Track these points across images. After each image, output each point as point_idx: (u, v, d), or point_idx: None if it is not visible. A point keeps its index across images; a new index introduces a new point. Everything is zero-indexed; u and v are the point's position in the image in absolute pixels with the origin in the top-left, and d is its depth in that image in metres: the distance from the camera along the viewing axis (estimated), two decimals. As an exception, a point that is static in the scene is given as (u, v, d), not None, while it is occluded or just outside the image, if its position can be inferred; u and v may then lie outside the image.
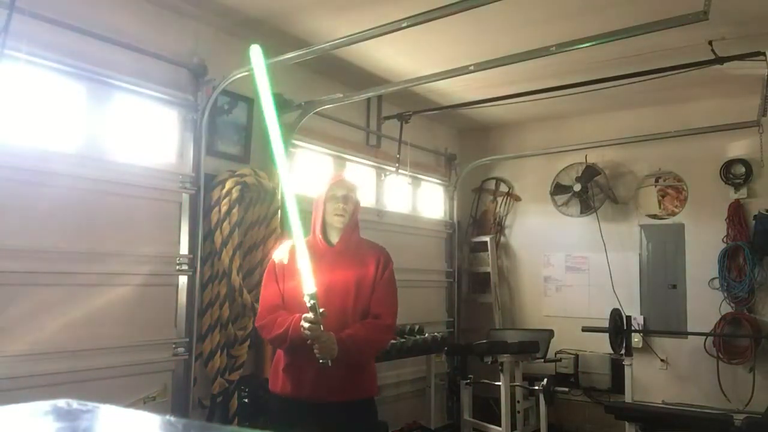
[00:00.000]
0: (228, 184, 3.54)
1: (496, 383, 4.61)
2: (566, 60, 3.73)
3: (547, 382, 4.61)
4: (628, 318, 4.65)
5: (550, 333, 5.11)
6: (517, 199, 6.04)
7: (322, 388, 2.39)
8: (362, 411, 2.53)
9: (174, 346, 3.40)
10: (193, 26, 3.59)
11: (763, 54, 3.54)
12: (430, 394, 5.10)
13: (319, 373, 2.34)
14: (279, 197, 3.89)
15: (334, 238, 2.56)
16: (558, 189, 5.66)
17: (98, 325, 3.05)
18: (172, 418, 0.89)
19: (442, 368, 5.52)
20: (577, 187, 5.45)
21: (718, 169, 5.04)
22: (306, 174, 4.44)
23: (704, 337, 4.88)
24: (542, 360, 5.01)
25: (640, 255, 5.37)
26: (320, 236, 2.53)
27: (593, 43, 2.95)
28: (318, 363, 2.27)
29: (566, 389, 4.82)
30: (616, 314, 4.60)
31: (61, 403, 0.90)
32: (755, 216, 4.84)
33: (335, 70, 4.41)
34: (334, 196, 2.53)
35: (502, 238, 6.06)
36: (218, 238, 3.48)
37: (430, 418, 5.06)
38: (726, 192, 5.01)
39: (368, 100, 4.99)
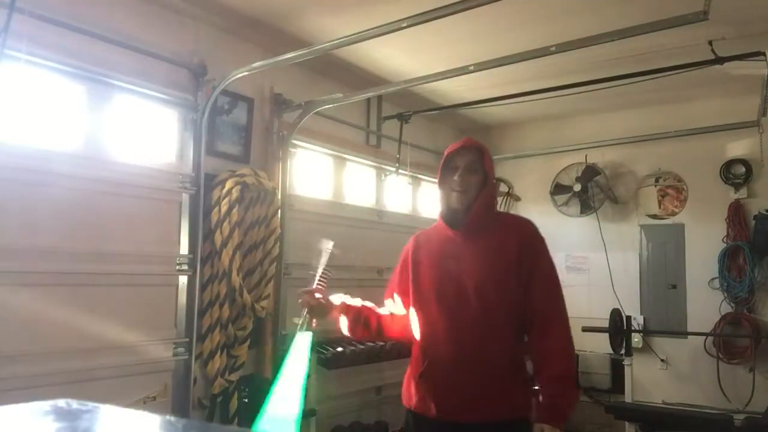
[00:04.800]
0: (228, 184, 3.54)
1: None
2: (566, 60, 3.73)
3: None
4: (628, 318, 4.65)
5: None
6: (517, 199, 6.03)
7: (455, 404, 2.02)
8: None
9: (174, 346, 3.40)
10: (193, 26, 3.59)
11: (763, 54, 3.53)
12: (430, 394, 5.10)
13: (453, 386, 2.02)
14: (279, 197, 3.89)
15: (460, 221, 2.08)
16: (558, 189, 5.66)
17: (98, 325, 3.04)
18: (172, 418, 0.89)
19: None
20: (577, 187, 5.44)
21: (718, 169, 5.04)
22: (306, 174, 4.44)
23: (704, 337, 4.88)
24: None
25: (640, 255, 5.37)
26: (441, 219, 2.12)
27: (593, 43, 2.95)
28: (450, 379, 2.00)
29: (566, 389, 4.81)
30: (616, 314, 4.61)
31: (61, 403, 0.90)
32: (755, 216, 4.84)
33: (335, 70, 4.41)
34: (451, 168, 2.07)
35: (502, 238, 6.06)
36: (218, 238, 3.48)
37: (430, 418, 5.05)
38: (726, 192, 5.01)
39: (368, 100, 4.99)
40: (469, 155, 2.07)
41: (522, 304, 2.03)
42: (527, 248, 2.08)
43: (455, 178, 2.05)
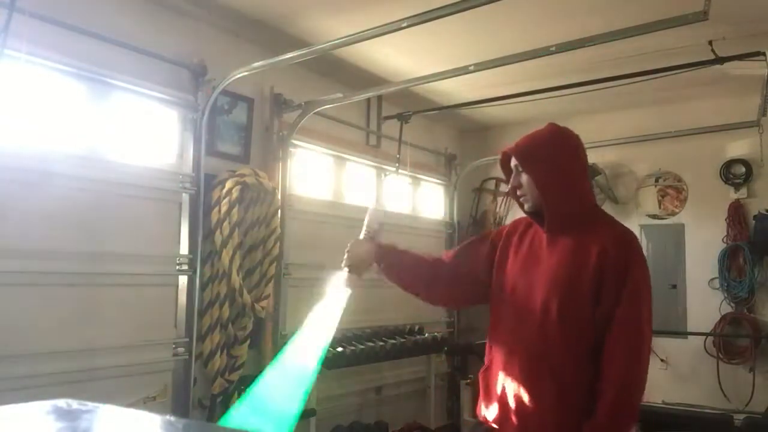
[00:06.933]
0: (228, 184, 3.54)
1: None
2: (566, 60, 3.72)
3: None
4: (628, 318, 4.64)
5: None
6: (517, 199, 6.03)
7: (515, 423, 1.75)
8: None
9: (174, 346, 3.40)
10: (193, 26, 3.59)
11: (763, 54, 3.53)
12: (430, 394, 5.10)
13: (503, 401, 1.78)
14: (279, 197, 3.89)
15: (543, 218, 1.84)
16: (558, 189, 5.65)
17: (98, 325, 3.05)
18: (172, 418, 0.89)
19: (442, 368, 5.52)
20: (577, 187, 5.44)
21: (718, 169, 5.03)
22: (306, 174, 4.44)
23: (704, 337, 4.88)
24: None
25: (640, 255, 5.36)
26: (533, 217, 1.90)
27: (593, 43, 2.95)
28: None
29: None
30: (616, 314, 4.60)
31: (61, 403, 0.90)
32: (755, 216, 4.84)
33: (335, 70, 4.40)
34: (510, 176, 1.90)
35: (502, 238, 6.05)
36: (218, 238, 3.48)
37: (430, 418, 5.05)
38: (726, 192, 5.01)
39: (368, 100, 4.99)
40: (515, 156, 1.99)
41: (595, 328, 1.68)
42: (609, 258, 1.68)
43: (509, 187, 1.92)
